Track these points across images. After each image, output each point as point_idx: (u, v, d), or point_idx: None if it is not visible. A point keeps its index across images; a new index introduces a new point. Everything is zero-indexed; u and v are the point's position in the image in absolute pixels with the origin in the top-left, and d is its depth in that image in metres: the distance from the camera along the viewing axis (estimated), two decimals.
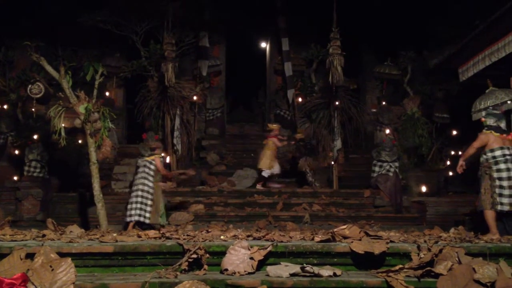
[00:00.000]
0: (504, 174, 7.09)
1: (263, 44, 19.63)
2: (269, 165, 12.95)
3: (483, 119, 7.58)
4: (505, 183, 7.07)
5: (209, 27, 16.08)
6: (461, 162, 7.59)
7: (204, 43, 16.07)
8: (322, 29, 13.79)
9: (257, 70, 19.35)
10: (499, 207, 7.07)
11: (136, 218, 9.45)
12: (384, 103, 16.11)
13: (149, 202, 9.57)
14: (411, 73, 15.89)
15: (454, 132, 15.33)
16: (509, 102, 10.44)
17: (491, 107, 7.65)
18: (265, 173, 13.04)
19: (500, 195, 7.07)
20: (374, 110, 16.49)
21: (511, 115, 10.71)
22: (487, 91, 10.95)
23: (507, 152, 7.19)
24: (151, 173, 9.68)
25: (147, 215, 9.51)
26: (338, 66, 12.35)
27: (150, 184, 9.64)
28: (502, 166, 7.11)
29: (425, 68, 14.89)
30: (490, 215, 7.20)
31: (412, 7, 14.63)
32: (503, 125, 7.42)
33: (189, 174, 11.48)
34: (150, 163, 9.75)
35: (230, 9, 15.71)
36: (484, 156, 7.33)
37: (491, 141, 7.27)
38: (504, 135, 7.32)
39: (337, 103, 13.83)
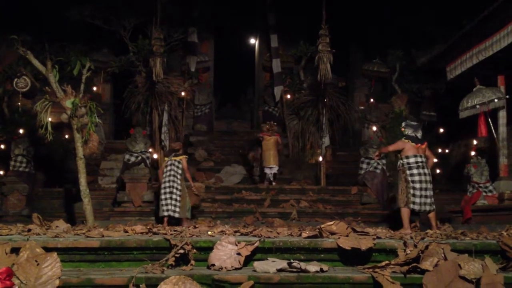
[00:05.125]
0: (416, 178, 8.25)
1: (252, 41, 19.58)
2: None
3: (402, 129, 8.67)
4: (417, 185, 8.25)
5: (198, 23, 16.01)
6: (377, 153, 9.20)
7: (192, 39, 16.00)
8: (311, 26, 13.79)
9: (245, 67, 19.30)
10: (411, 206, 8.25)
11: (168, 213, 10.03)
12: (372, 100, 16.16)
13: (179, 198, 10.08)
14: (399, 72, 15.96)
15: (442, 130, 15.44)
16: (496, 100, 10.53)
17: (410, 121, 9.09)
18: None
19: (413, 195, 8.24)
20: (362, 107, 16.52)
21: (498, 114, 10.81)
22: (474, 89, 11.03)
23: (419, 159, 8.32)
24: (179, 171, 10.19)
25: (177, 209, 10.04)
26: (327, 63, 12.35)
27: (179, 181, 10.16)
28: (415, 171, 8.27)
29: (413, 67, 14.95)
30: (405, 212, 8.30)
31: (401, 6, 14.68)
32: (419, 135, 8.50)
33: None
34: (179, 162, 10.24)
35: (219, 5, 15.66)
36: (401, 161, 8.46)
37: (406, 148, 8.37)
38: (419, 144, 8.39)
39: (325, 100, 13.85)
